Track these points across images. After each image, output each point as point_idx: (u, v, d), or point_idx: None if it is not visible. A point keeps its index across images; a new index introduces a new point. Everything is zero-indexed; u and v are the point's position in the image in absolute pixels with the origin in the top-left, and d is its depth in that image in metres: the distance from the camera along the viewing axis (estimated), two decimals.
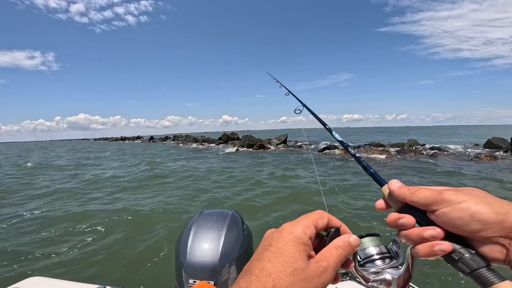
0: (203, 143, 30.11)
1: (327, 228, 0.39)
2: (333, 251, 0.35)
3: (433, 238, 0.36)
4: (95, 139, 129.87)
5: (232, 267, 0.85)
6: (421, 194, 0.38)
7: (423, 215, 0.39)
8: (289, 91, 1.24)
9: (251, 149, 20.93)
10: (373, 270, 0.44)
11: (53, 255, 3.79)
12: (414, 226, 0.39)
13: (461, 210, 0.34)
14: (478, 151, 15.60)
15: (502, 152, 14.20)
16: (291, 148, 20.83)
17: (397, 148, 16.75)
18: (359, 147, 17.74)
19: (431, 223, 0.38)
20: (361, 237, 0.46)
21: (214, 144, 28.41)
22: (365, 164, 0.53)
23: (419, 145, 17.78)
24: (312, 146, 21.71)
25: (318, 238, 0.38)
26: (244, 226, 1.01)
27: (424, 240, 0.37)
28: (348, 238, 0.37)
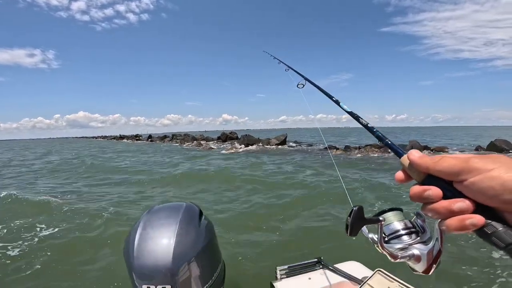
0: (200, 142, 29.89)
1: None
2: None
3: (462, 211, 0.34)
4: (94, 137, 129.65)
5: (193, 264, 0.76)
6: (446, 163, 0.36)
7: (449, 186, 0.36)
8: (288, 66, 1.19)
9: (249, 148, 20.63)
10: (399, 246, 0.42)
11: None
12: (441, 199, 0.36)
13: (492, 178, 0.32)
14: (481, 153, 15.35)
15: (505, 154, 13.91)
16: (290, 148, 20.49)
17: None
18: (359, 147, 17.47)
19: (458, 194, 0.35)
20: (383, 212, 0.45)
21: (212, 143, 28.16)
22: (380, 134, 0.50)
23: (421, 146, 17.54)
24: (311, 147, 21.41)
25: None
26: (203, 218, 0.91)
27: (453, 213, 0.35)
28: None
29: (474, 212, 0.34)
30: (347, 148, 17.41)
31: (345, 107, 0.65)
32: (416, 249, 0.41)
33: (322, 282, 1.21)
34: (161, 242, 0.77)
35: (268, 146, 22.12)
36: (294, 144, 23.05)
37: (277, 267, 1.32)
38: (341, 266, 1.34)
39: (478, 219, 0.33)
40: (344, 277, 1.23)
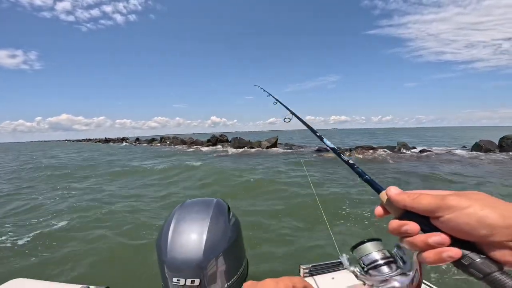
0: (191, 145, 29.52)
1: None
2: None
3: (439, 244, 0.35)
4: (78, 140, 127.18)
5: (220, 260, 0.78)
6: (423, 200, 0.37)
7: (426, 221, 0.37)
8: (277, 100, 1.25)
9: (241, 151, 20.53)
10: (380, 278, 0.43)
11: (35, 256, 3.75)
12: (419, 233, 0.37)
13: (468, 215, 0.33)
14: (465, 152, 15.89)
15: (491, 154, 14.46)
16: (283, 150, 20.56)
17: (388, 151, 16.77)
18: (350, 150, 17.70)
19: (435, 229, 0.36)
20: (362, 242, 0.47)
21: (202, 146, 27.84)
22: (360, 170, 0.50)
23: (409, 147, 17.98)
24: (303, 149, 21.54)
25: None
26: (231, 214, 0.92)
27: (430, 247, 0.36)
28: None
29: (451, 245, 0.34)
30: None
31: (328, 143, 0.68)
32: (397, 282, 0.42)
33: (345, 282, 1.20)
34: (193, 236, 0.79)
35: (260, 148, 22.09)
36: (286, 147, 23.12)
37: (301, 266, 1.32)
38: None
39: (455, 252, 0.34)
40: None
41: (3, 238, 4.60)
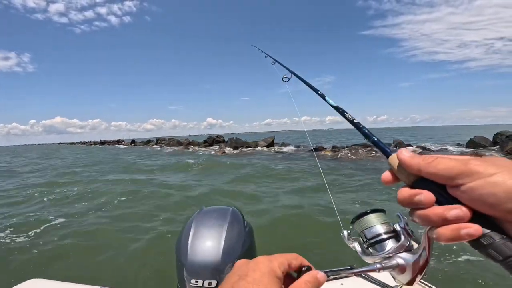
0: (188, 146, 29.42)
1: (299, 269, 0.39)
2: (303, 285, 0.36)
3: (458, 219, 0.30)
4: (72, 143, 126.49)
5: None
6: (442, 164, 0.31)
7: (442, 191, 0.32)
8: (275, 59, 1.24)
9: (238, 151, 20.52)
10: (383, 255, 0.39)
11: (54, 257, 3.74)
12: (433, 205, 0.32)
13: (494, 184, 0.28)
14: (459, 148, 16.08)
15: (485, 150, 14.63)
16: (278, 150, 20.56)
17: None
18: (347, 146, 17.79)
19: (452, 200, 0.31)
20: (365, 213, 0.43)
21: (199, 147, 27.76)
22: (367, 131, 0.47)
23: (405, 145, 18.12)
24: (300, 148, 21.59)
25: (290, 277, 0.39)
26: (245, 222, 0.99)
27: (447, 222, 0.30)
28: (316, 274, 0.37)
29: (471, 221, 0.29)
30: (334, 148, 17.68)
31: (330, 101, 0.63)
32: (401, 259, 0.38)
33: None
34: (211, 242, 0.85)
35: (257, 148, 22.10)
36: (282, 146, 23.16)
37: None
38: (373, 273, 1.30)
39: (475, 229, 0.29)
40: (377, 284, 1.23)
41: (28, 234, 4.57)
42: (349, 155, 14.87)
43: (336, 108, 0.58)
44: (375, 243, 0.40)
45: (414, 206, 0.33)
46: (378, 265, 0.39)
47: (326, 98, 0.65)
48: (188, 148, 27.27)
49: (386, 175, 0.38)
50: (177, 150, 26.34)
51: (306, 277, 0.37)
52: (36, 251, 3.96)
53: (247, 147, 22.62)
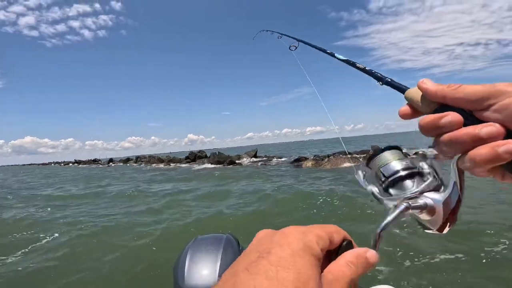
0: (169, 163, 28.78)
1: (339, 246, 0.29)
2: (346, 268, 0.25)
3: (492, 138, 0.26)
4: (43, 164, 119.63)
5: None
6: (469, 89, 0.29)
7: (469, 116, 0.29)
8: (281, 33, 1.33)
9: (221, 166, 20.35)
10: (406, 194, 0.32)
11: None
12: (461, 127, 0.29)
13: None
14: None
15: None
16: (261, 162, 20.68)
17: (363, 155, 17.46)
18: (328, 156, 18.21)
19: (481, 123, 0.28)
20: (380, 151, 0.37)
21: (181, 164, 27.27)
22: (379, 74, 0.46)
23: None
24: (283, 159, 21.82)
25: (326, 257, 0.28)
26: (241, 247, 1.03)
27: (479, 141, 0.27)
28: (364, 252, 0.27)
29: (505, 139, 0.26)
30: (316, 157, 18.06)
31: (340, 56, 0.66)
32: (429, 198, 0.31)
33: None
34: (207, 267, 0.91)
35: (241, 162, 22.05)
36: (265, 158, 23.29)
37: None
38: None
39: None
40: None
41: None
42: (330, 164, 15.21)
43: (347, 61, 0.61)
44: (394, 181, 0.34)
45: (440, 131, 0.30)
46: (405, 204, 0.31)
47: (336, 54, 0.69)
48: (169, 165, 26.69)
49: (405, 108, 0.36)
50: (159, 167, 25.66)
51: (348, 256, 0.27)
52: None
53: (230, 162, 22.53)
